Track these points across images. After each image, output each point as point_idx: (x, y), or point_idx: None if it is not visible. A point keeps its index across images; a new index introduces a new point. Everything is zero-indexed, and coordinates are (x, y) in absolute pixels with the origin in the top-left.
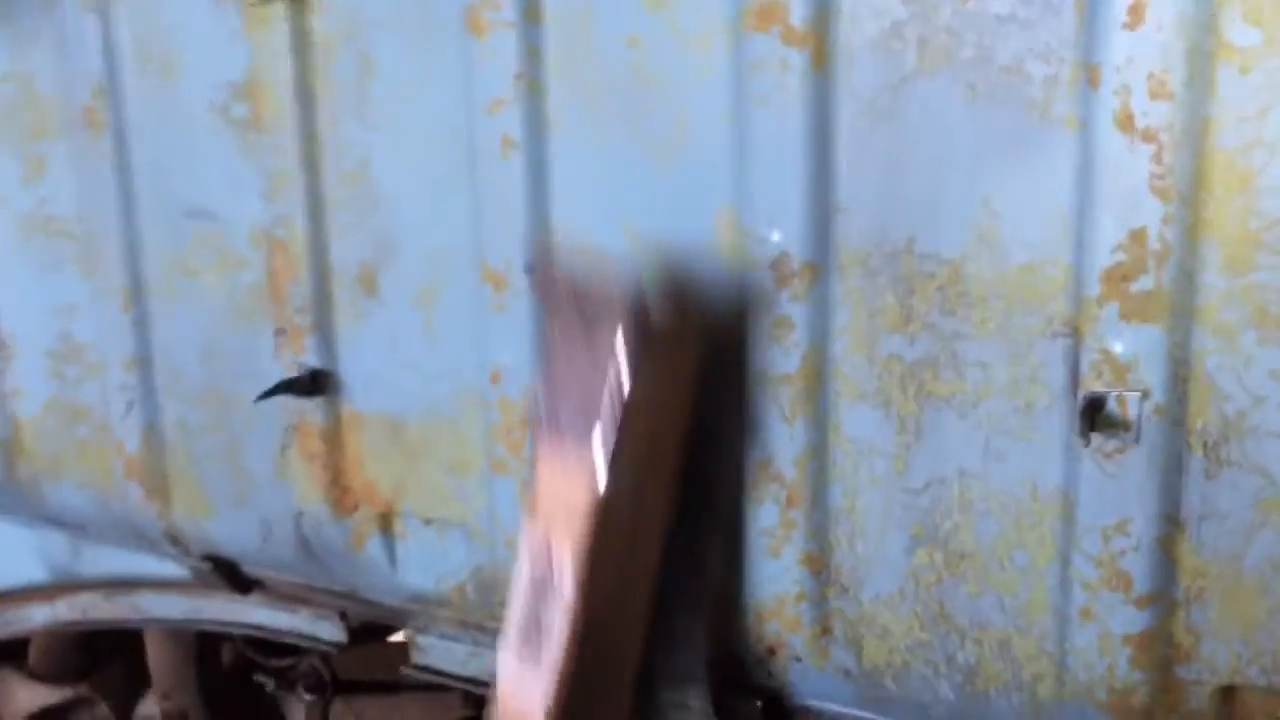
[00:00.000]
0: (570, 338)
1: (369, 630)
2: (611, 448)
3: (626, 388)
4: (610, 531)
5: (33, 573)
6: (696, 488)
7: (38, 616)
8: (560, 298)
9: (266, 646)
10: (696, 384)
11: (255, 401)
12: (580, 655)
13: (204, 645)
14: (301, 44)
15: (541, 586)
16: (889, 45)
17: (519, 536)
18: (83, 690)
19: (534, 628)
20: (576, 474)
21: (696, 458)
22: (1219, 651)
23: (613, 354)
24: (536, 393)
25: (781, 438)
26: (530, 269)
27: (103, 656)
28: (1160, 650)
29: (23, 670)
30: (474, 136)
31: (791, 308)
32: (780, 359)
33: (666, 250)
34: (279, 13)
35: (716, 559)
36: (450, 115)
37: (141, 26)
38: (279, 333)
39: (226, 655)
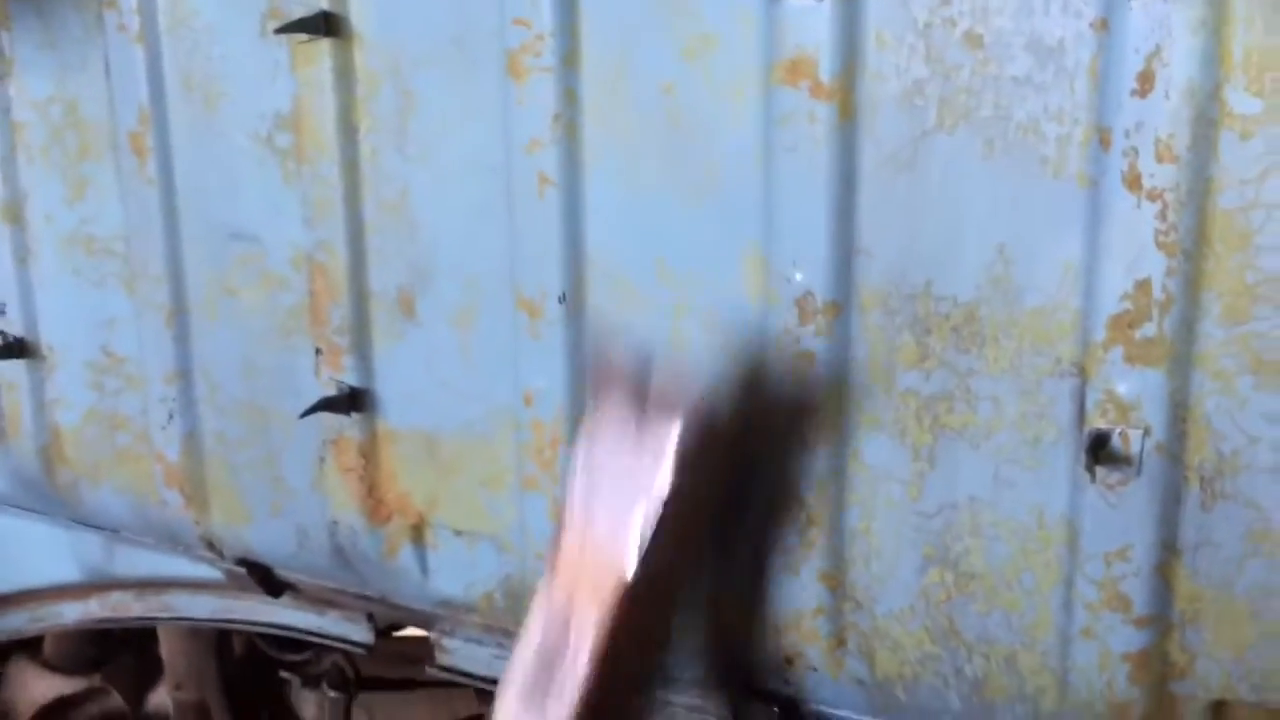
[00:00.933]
0: (620, 420)
1: (392, 629)
2: (648, 536)
3: (672, 479)
4: (634, 616)
5: (66, 572)
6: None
7: (70, 614)
8: (618, 382)
9: (281, 642)
10: (727, 464)
11: (299, 419)
12: None
13: (220, 639)
14: (345, 79)
15: (553, 654)
16: (911, 102)
17: (545, 545)
18: (96, 681)
19: (540, 691)
20: (607, 553)
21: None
22: (1212, 669)
23: (663, 445)
24: (574, 461)
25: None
26: (594, 362)
27: (115, 648)
28: (1157, 667)
29: (38, 661)
30: (511, 173)
31: (814, 342)
32: (802, 391)
33: (731, 340)
34: (324, 49)
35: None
36: (488, 151)
37: (188, 58)
38: (318, 352)
39: (237, 647)
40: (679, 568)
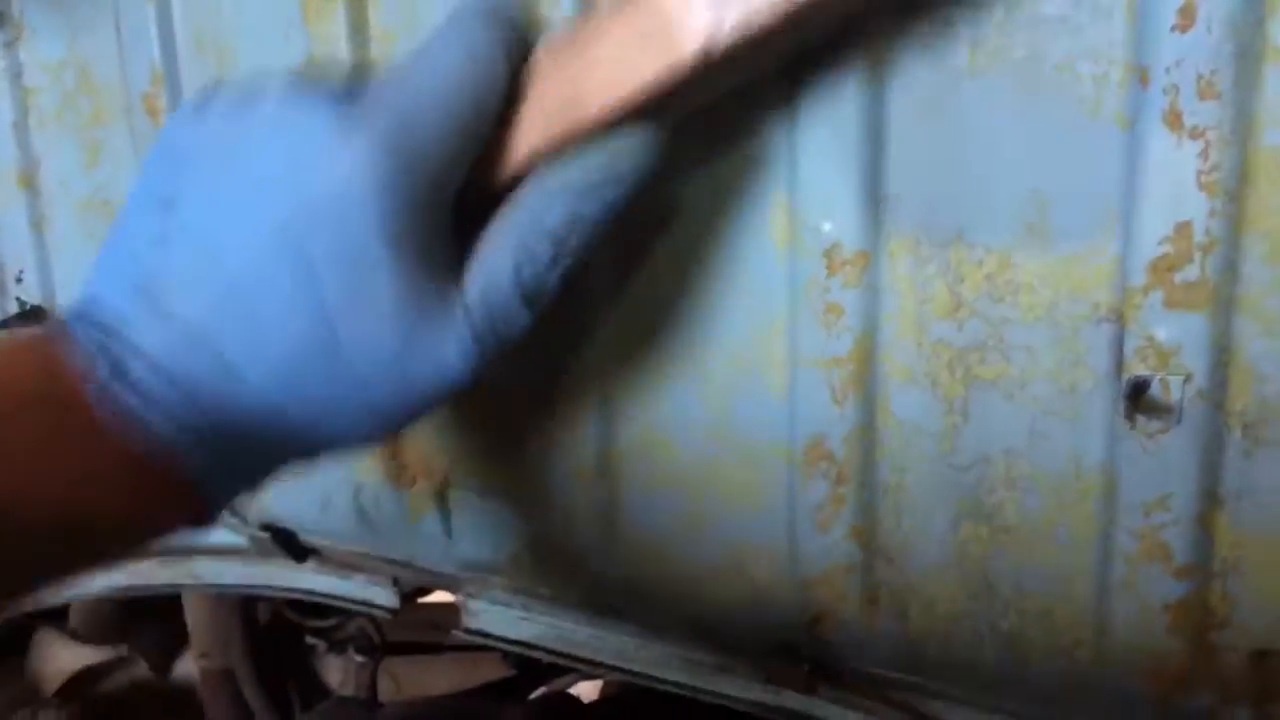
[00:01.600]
0: None
1: (418, 593)
2: None
3: None
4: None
5: None
6: None
7: (95, 584)
8: None
9: (306, 608)
10: None
11: None
12: None
13: (245, 605)
14: (360, 34)
15: None
16: (941, 45)
17: (572, 504)
18: (123, 650)
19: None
20: None
21: None
22: (1254, 618)
23: None
24: None
25: (832, 418)
26: None
27: (141, 617)
28: (1197, 618)
29: (64, 631)
30: None
31: (843, 294)
32: (831, 343)
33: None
34: (338, 4)
35: None
36: None
37: (199, 16)
38: None
39: (262, 614)
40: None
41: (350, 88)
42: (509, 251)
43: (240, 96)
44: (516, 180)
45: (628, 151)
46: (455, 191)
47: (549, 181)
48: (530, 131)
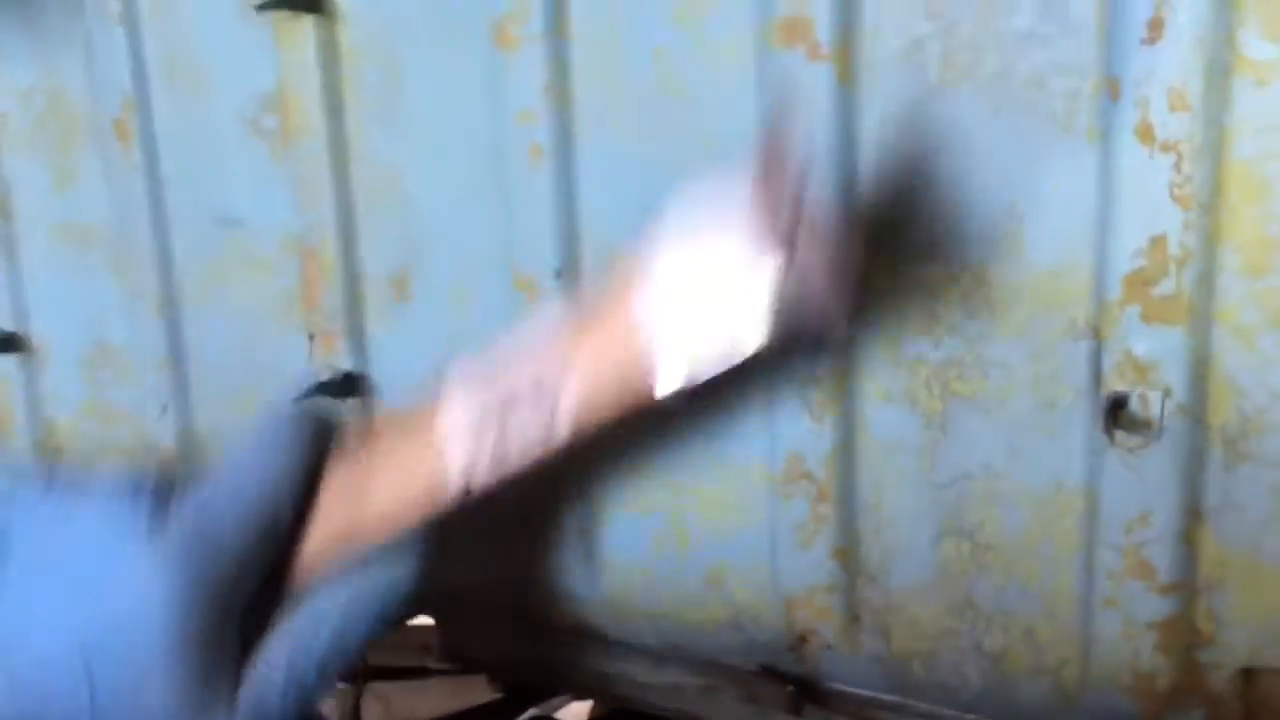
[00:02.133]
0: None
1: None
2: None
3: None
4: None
5: None
6: None
7: None
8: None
9: None
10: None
11: (293, 404)
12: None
13: None
14: (330, 57)
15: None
16: (912, 60)
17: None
18: None
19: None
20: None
21: None
22: (1240, 636)
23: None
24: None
25: (811, 436)
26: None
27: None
28: (1182, 635)
29: None
30: (503, 146)
31: None
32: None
33: None
34: (307, 26)
35: None
36: (479, 125)
37: (170, 39)
38: (311, 337)
39: None
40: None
41: (165, 495)
42: (281, 670)
43: (69, 495)
44: (306, 585)
45: (390, 584)
46: (247, 600)
47: (321, 604)
48: (317, 547)
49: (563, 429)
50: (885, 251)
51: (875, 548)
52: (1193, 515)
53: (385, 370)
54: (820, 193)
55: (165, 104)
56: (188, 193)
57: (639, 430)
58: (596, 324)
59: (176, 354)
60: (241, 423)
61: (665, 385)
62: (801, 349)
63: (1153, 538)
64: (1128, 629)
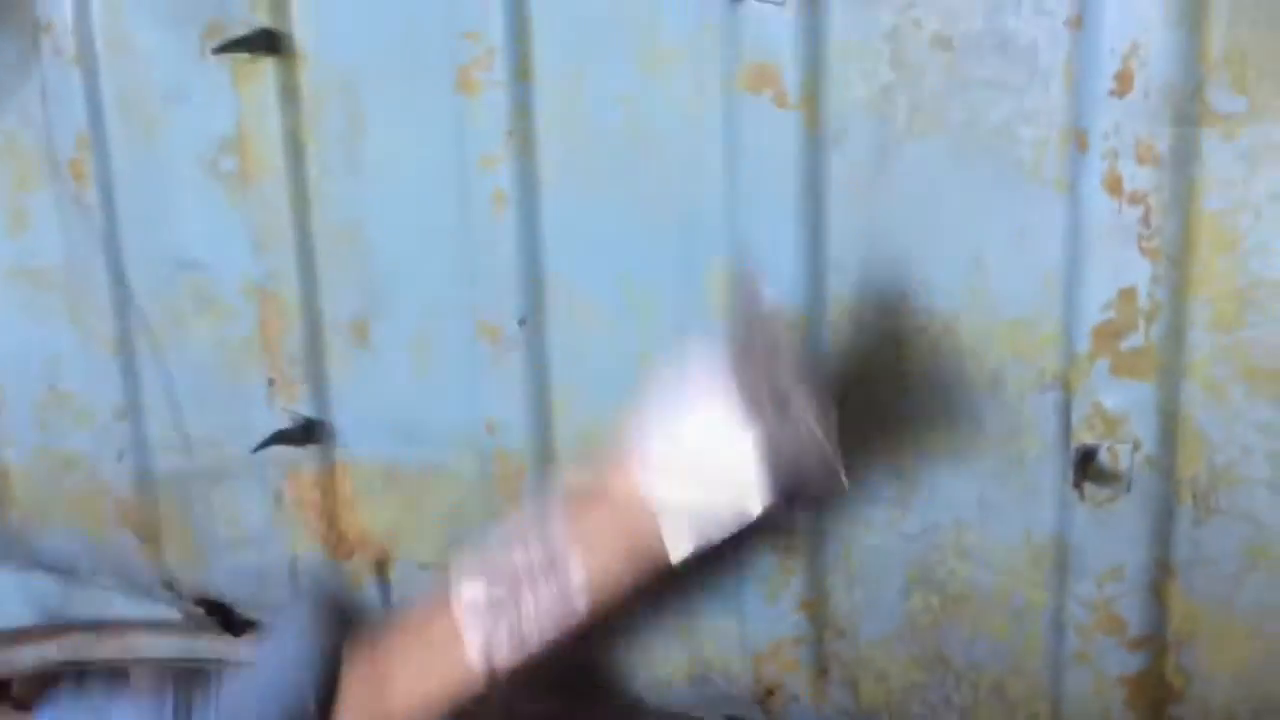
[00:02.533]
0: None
1: None
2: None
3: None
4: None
5: (21, 616)
6: None
7: (28, 657)
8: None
9: None
10: None
11: (252, 453)
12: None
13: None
14: (290, 99)
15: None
16: (880, 109)
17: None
18: None
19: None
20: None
21: None
22: (1211, 691)
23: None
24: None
25: None
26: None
27: (87, 683)
28: (1153, 691)
29: (6, 700)
30: (466, 191)
31: None
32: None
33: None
34: (267, 68)
35: None
36: (441, 170)
37: (126, 81)
38: (271, 382)
39: None
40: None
41: (192, 697)
42: None
43: (100, 703)
44: None
45: None
46: None
47: None
48: None
49: (579, 602)
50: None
51: (844, 600)
52: (1163, 569)
53: (346, 417)
54: (798, 353)
55: (121, 146)
56: (145, 236)
57: (651, 590)
58: (598, 500)
59: (134, 399)
60: (197, 469)
61: (677, 552)
62: (804, 503)
63: (1123, 592)
64: (1098, 684)
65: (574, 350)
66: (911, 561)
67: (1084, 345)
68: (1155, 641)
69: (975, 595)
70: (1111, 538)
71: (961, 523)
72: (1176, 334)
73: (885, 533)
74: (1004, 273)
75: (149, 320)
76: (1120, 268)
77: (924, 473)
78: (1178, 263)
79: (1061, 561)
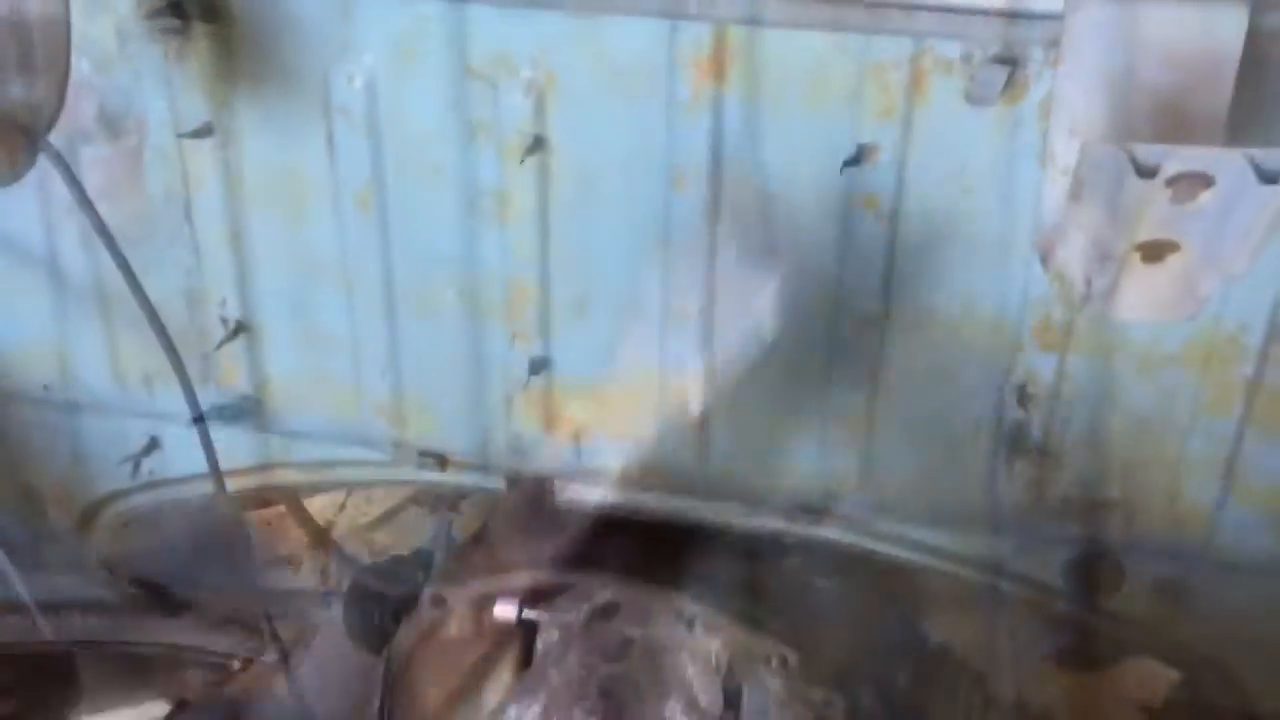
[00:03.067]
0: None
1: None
2: None
3: None
4: None
5: None
6: None
7: None
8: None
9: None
10: None
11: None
12: None
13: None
14: (544, 181)
15: None
16: None
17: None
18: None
19: None
20: None
21: None
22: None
23: None
24: None
25: None
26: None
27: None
28: None
29: None
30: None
31: None
32: None
33: None
34: (536, 159)
35: None
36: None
37: (406, 151)
38: (514, 336)
39: None
40: None
41: None
42: None
43: None
44: None
45: None
46: None
47: None
48: None
49: None
50: None
51: None
52: None
53: (563, 358)
54: None
55: (400, 189)
56: (407, 238)
57: None
58: None
59: (392, 350)
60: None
61: None
62: None
63: None
64: None
65: None
66: None
67: None
68: None
69: None
70: None
71: None
72: None
73: None
74: None
75: (412, 297)
76: None
77: None
78: None
79: None
